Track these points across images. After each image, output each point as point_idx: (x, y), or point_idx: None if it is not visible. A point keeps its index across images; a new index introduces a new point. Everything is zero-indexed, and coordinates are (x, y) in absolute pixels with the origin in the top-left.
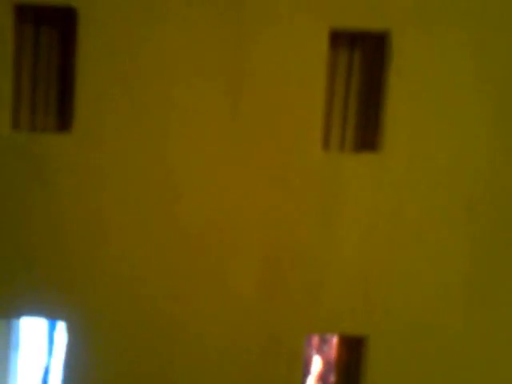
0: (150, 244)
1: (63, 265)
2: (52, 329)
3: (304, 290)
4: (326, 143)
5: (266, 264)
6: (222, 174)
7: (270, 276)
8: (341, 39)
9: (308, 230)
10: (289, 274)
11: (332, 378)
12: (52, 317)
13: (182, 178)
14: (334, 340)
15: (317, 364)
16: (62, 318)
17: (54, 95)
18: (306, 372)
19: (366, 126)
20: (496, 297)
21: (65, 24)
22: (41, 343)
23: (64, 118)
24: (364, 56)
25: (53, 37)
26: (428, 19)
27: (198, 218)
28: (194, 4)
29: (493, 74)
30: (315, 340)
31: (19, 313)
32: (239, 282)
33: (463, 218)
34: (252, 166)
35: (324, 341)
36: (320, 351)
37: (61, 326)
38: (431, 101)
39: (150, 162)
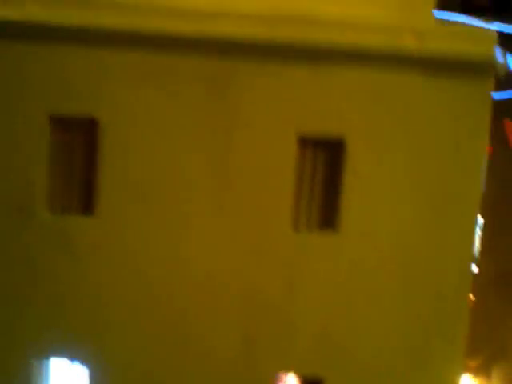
0: (152, 301)
1: (86, 318)
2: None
3: (275, 341)
4: (296, 223)
5: (244, 320)
6: (211, 245)
7: (246, 330)
8: (307, 142)
9: (279, 292)
10: (263, 328)
11: None
12: (77, 359)
13: (183, 251)
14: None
15: None
16: (85, 360)
17: (80, 184)
18: None
19: (327, 210)
20: (430, 348)
21: (89, 129)
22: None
23: (88, 203)
24: (325, 157)
25: (79, 138)
26: (375, 130)
27: (191, 282)
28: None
29: (423, 174)
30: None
31: (50, 354)
32: (220, 337)
33: (401, 283)
34: (235, 240)
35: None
36: None
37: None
38: (378, 193)
39: (157, 241)
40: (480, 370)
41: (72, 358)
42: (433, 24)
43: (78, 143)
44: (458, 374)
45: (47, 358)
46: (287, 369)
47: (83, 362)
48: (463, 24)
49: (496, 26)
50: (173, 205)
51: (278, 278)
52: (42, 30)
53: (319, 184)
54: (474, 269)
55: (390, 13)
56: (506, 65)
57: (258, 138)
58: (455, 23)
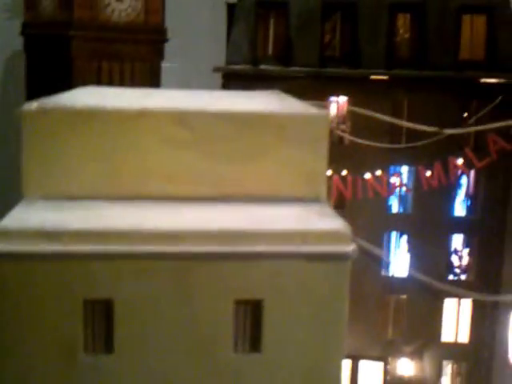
0: None
1: None
2: None
3: None
4: (235, 347)
5: None
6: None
7: None
8: (239, 302)
9: None
10: None
11: None
12: None
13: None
14: None
15: None
16: None
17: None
18: None
19: (255, 341)
20: None
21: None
22: None
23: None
24: (252, 312)
25: (102, 308)
26: (280, 296)
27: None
28: None
29: (311, 317)
30: None
31: None
32: None
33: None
34: (193, 354)
35: None
36: None
37: None
38: (285, 330)
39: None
40: (414, 355)
41: None
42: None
43: (101, 310)
44: None
45: None
46: None
47: None
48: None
49: None
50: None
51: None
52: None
53: (249, 325)
54: (407, 273)
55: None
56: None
57: (208, 304)
58: None
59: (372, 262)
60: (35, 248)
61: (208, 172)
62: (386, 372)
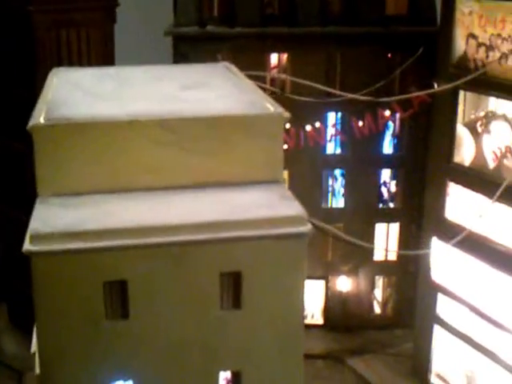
0: None
1: (135, 356)
2: None
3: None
4: (221, 305)
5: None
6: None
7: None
8: (223, 274)
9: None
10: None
11: None
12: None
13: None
14: None
15: None
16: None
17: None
18: None
19: (236, 300)
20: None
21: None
22: None
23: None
24: (233, 280)
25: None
26: (257, 269)
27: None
28: None
29: (272, 288)
30: None
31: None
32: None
33: (272, 327)
34: (195, 314)
35: None
36: None
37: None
38: (258, 292)
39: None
40: (350, 273)
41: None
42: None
43: (117, 288)
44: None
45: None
46: None
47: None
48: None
49: None
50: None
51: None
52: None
53: (231, 290)
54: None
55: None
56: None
57: (200, 277)
58: None
59: (313, 196)
60: (62, 246)
61: (187, 165)
62: (327, 288)
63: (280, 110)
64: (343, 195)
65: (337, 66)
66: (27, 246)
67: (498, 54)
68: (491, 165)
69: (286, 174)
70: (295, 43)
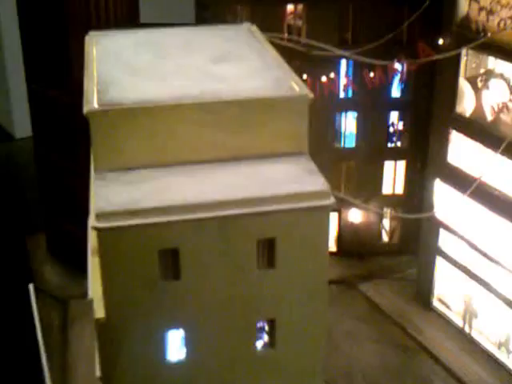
0: None
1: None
2: None
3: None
4: (258, 265)
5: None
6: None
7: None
8: (260, 241)
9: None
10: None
11: None
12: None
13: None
14: None
15: None
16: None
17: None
18: None
19: (270, 261)
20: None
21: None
22: None
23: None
24: (268, 244)
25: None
26: (289, 237)
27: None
28: None
29: (301, 256)
30: None
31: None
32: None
33: (302, 284)
34: (237, 276)
35: None
36: None
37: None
38: (289, 258)
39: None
40: (361, 205)
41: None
42: None
43: (170, 255)
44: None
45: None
46: None
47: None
48: None
49: None
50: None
51: (251, 287)
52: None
53: (266, 253)
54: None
55: None
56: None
57: (241, 244)
58: None
59: (328, 137)
60: (124, 223)
61: (224, 141)
62: (339, 219)
63: (305, 90)
64: (355, 135)
65: (349, 15)
66: (94, 223)
67: (497, 19)
68: (489, 117)
69: None
70: None
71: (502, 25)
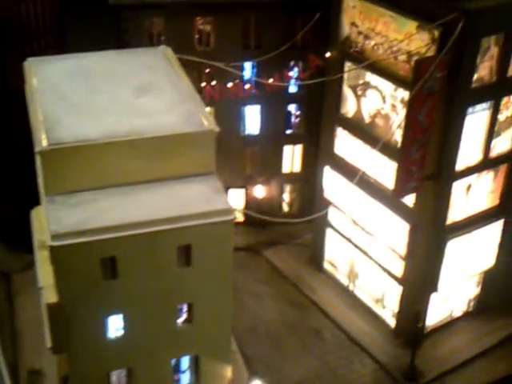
0: None
1: None
2: None
3: None
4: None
5: None
6: None
7: None
8: None
9: None
10: None
11: None
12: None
13: None
14: None
15: None
16: None
17: None
18: None
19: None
20: None
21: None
22: None
23: (114, 274)
24: None
25: None
26: (200, 242)
27: None
28: None
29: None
30: None
31: None
32: None
33: None
34: None
35: None
36: None
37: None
38: None
39: None
40: (265, 182)
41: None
42: None
43: (110, 262)
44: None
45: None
46: None
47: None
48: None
49: None
50: None
51: (173, 280)
52: None
53: (184, 254)
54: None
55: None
56: None
57: (165, 251)
58: None
59: (236, 126)
60: (74, 241)
61: (146, 167)
62: (246, 195)
63: (212, 125)
64: (259, 125)
65: (252, 27)
66: (50, 242)
67: (372, 43)
68: (367, 120)
69: (212, 110)
70: (218, 9)
71: (375, 48)
